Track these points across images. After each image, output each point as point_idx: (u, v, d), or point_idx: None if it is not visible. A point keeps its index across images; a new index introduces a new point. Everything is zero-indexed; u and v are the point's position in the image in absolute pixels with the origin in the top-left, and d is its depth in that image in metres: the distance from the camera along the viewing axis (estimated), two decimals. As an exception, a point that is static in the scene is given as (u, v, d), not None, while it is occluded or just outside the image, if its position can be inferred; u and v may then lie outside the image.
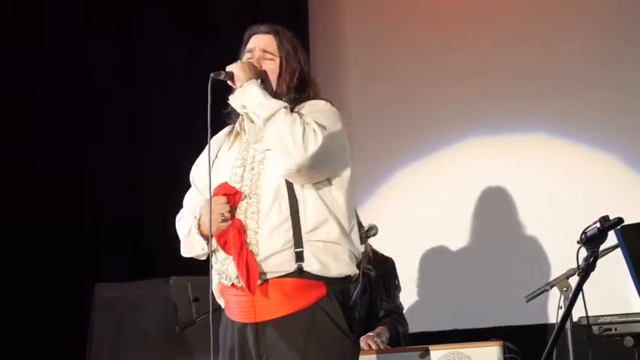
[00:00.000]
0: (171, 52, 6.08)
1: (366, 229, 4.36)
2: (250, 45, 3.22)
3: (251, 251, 2.98)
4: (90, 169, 5.91)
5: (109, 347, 4.95)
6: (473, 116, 5.70)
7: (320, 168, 2.99)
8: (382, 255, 4.74)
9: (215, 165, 3.15)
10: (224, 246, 3.03)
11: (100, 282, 5.09)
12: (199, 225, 3.09)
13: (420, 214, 5.73)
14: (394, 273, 4.72)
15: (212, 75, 3.08)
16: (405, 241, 5.51)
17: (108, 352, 4.94)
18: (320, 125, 2.97)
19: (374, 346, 4.31)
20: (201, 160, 3.26)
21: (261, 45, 3.19)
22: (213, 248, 3.07)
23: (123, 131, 6.04)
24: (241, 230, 3.00)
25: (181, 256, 5.35)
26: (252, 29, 3.25)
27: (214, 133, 3.23)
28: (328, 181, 3.06)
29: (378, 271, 4.62)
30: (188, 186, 3.33)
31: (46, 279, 5.50)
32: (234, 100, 3.08)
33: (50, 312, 5.45)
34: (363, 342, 4.33)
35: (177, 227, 3.25)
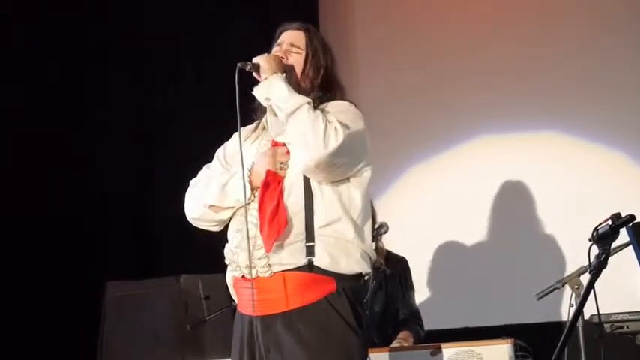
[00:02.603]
0: (180, 50, 6.07)
1: (376, 226, 4.37)
2: (280, 39, 3.24)
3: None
4: (97, 168, 5.91)
5: (120, 345, 4.95)
6: (483, 114, 5.71)
7: (339, 166, 3.00)
8: (396, 255, 4.73)
9: (232, 157, 3.17)
10: (263, 193, 3.03)
11: (110, 280, 5.10)
12: (251, 174, 3.08)
13: (430, 212, 5.74)
14: (409, 273, 4.72)
15: (239, 64, 3.08)
16: (416, 239, 5.52)
17: (119, 350, 4.95)
18: (342, 124, 2.98)
19: None
20: (229, 145, 3.27)
21: (290, 39, 3.21)
22: (249, 200, 3.06)
23: (130, 130, 6.03)
24: (282, 191, 3.02)
25: (192, 255, 5.36)
26: (284, 26, 3.27)
27: (227, 135, 3.24)
28: (347, 180, 3.07)
29: (395, 270, 4.62)
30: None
31: (56, 278, 5.50)
32: (258, 92, 3.09)
33: (61, 311, 5.46)
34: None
35: (189, 191, 3.24)
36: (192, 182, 3.27)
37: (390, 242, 4.71)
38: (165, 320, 4.86)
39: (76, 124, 5.80)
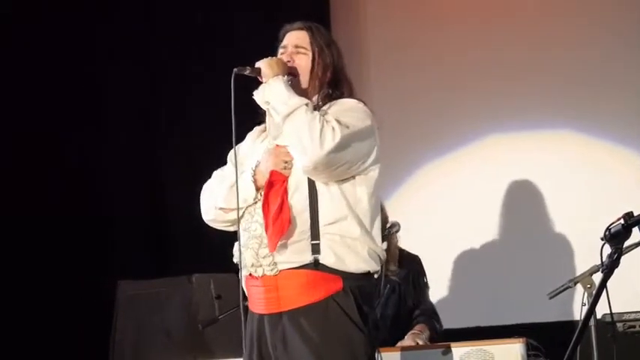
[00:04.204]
0: (185, 49, 6.06)
1: (388, 226, 4.37)
2: (284, 42, 3.24)
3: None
4: (104, 168, 5.91)
5: (132, 344, 4.97)
6: (494, 113, 5.71)
7: (338, 165, 2.99)
8: (409, 253, 4.72)
9: (245, 157, 3.19)
10: (268, 192, 3.04)
11: (122, 280, 5.11)
12: (255, 173, 3.11)
13: (441, 211, 5.74)
14: (422, 271, 4.70)
15: (235, 70, 3.10)
16: (427, 239, 5.51)
17: (131, 350, 4.97)
18: (342, 124, 2.97)
19: (420, 342, 4.30)
20: (242, 147, 3.27)
21: (294, 41, 3.21)
22: (256, 200, 3.09)
23: (136, 129, 6.04)
24: (286, 190, 3.03)
25: (204, 254, 5.37)
26: (286, 27, 3.28)
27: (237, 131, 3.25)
28: (353, 178, 3.07)
29: (407, 270, 4.61)
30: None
31: (68, 278, 5.51)
32: (258, 96, 3.10)
33: (73, 310, 5.47)
34: (409, 339, 4.33)
35: (203, 194, 3.26)
36: (205, 185, 3.29)
37: (401, 242, 4.70)
38: (177, 320, 4.87)
39: (77, 124, 5.80)
